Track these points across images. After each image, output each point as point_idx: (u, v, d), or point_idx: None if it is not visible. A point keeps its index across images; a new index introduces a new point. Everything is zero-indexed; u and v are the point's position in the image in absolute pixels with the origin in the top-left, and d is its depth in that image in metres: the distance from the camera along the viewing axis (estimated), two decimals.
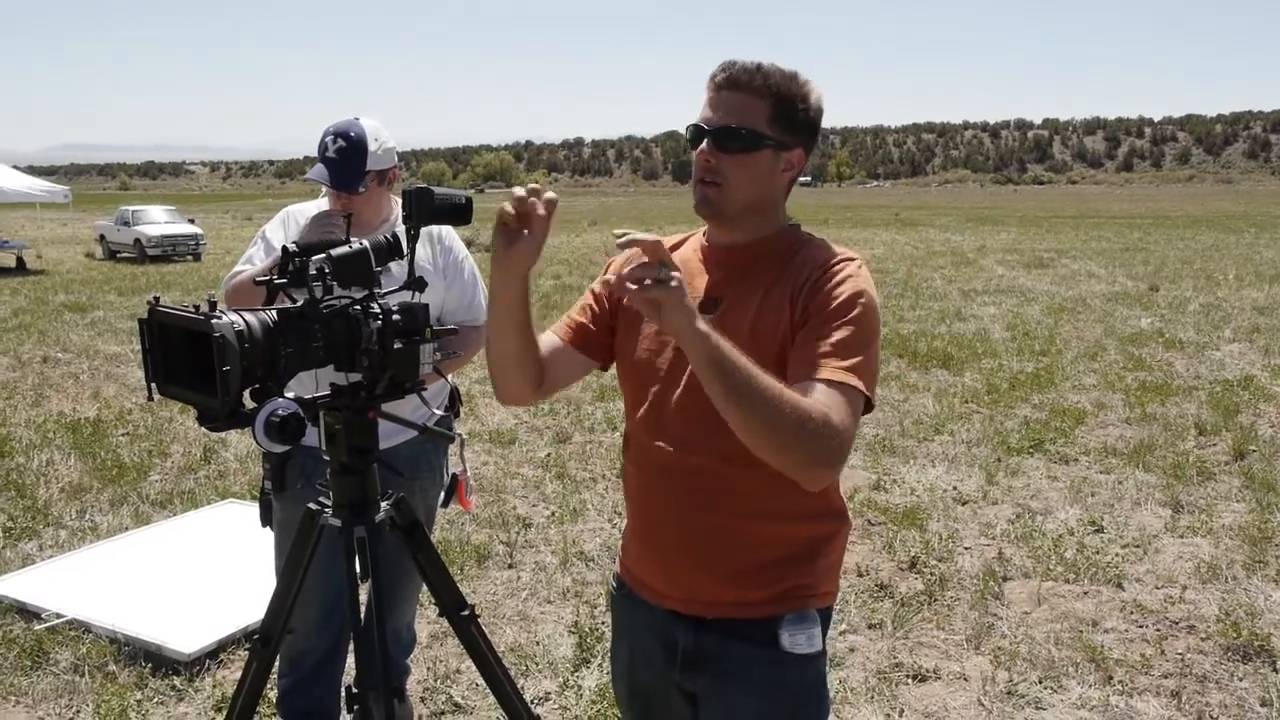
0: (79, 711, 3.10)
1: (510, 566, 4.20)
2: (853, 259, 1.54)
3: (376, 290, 1.88)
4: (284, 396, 1.76)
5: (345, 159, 2.44)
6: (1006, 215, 46.15)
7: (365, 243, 1.87)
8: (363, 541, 1.99)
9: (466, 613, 2.22)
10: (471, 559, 4.23)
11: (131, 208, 24.36)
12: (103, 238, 23.90)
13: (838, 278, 1.50)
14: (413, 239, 2.03)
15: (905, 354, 9.00)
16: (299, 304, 1.80)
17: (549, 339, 1.74)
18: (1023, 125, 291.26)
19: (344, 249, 1.85)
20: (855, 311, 1.46)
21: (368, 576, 1.98)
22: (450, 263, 2.63)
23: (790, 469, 1.39)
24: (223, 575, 3.93)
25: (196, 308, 1.69)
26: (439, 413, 2.22)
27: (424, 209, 2.01)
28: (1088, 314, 11.74)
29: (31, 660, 3.37)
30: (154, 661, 3.34)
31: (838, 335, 1.44)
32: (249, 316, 1.74)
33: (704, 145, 1.52)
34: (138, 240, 22.46)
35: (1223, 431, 6.24)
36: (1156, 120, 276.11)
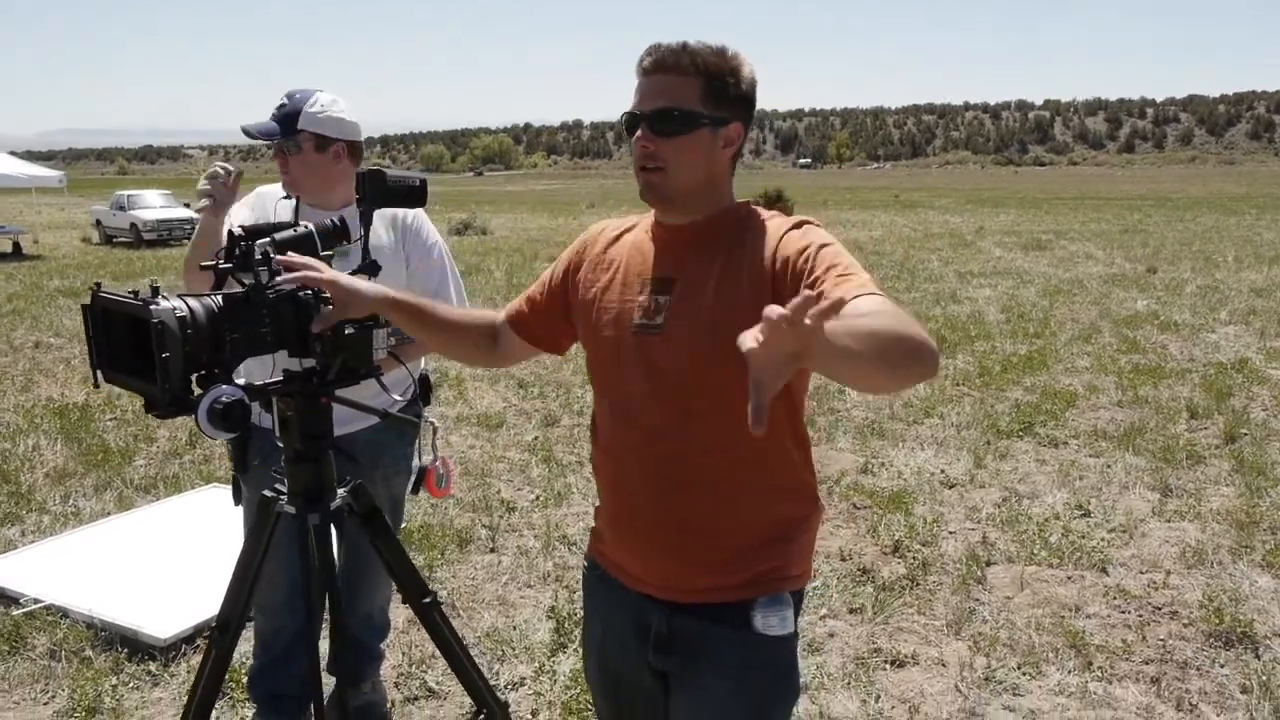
0: (54, 696, 3.08)
1: (492, 550, 4.18)
2: (807, 221, 1.53)
3: None
4: (231, 383, 1.74)
5: (282, 113, 2.43)
6: (1006, 197, 46.00)
7: (310, 226, 1.83)
8: (318, 529, 1.97)
9: (429, 600, 2.21)
10: (453, 542, 4.21)
11: (127, 192, 24.28)
12: (99, 222, 23.84)
13: (809, 235, 1.48)
14: (366, 222, 2.00)
15: None
16: (244, 289, 1.77)
17: (505, 314, 1.84)
18: (1024, 106, 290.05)
19: (288, 232, 1.81)
20: (837, 249, 1.44)
21: (319, 565, 1.95)
22: (417, 247, 2.58)
23: (918, 379, 1.23)
24: (202, 560, 3.90)
25: (135, 293, 1.65)
26: (397, 398, 2.18)
27: (376, 191, 1.98)
28: (1084, 296, 11.69)
29: (9, 645, 3.36)
30: (130, 647, 3.33)
31: (838, 269, 1.38)
32: (193, 302, 1.71)
33: (640, 132, 1.51)
34: (133, 225, 22.40)
35: (1215, 415, 6.21)
36: (1159, 101, 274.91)
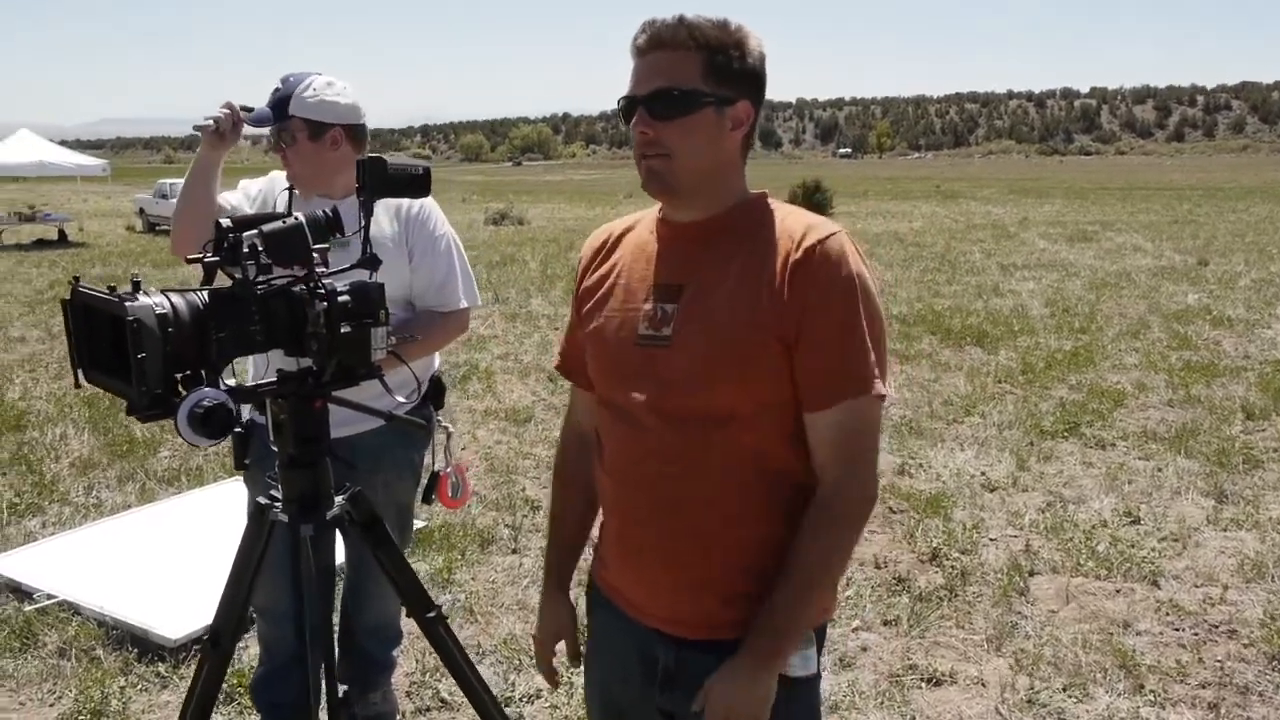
0: (60, 697, 3.02)
1: (514, 551, 4.06)
2: (834, 231, 1.37)
3: (320, 269, 1.71)
4: (219, 385, 1.62)
5: (274, 98, 2.33)
6: (1051, 187, 45.07)
7: (300, 217, 1.70)
8: (312, 540, 1.85)
9: (433, 614, 2.08)
10: (475, 543, 4.10)
11: (170, 180, 24.53)
12: (142, 210, 24.10)
13: (827, 262, 1.33)
14: (367, 212, 1.87)
15: (938, 331, 8.72)
16: (231, 284, 1.65)
17: (557, 363, 1.71)
18: (1069, 94, 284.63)
19: (276, 224, 1.68)
20: (856, 301, 1.33)
21: (316, 576, 1.83)
22: (422, 238, 2.45)
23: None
24: (218, 557, 3.78)
25: (112, 288, 1.54)
26: (401, 400, 2.05)
27: (377, 180, 1.84)
28: (1132, 289, 11.34)
29: (20, 642, 3.30)
30: (140, 646, 3.25)
31: (846, 339, 1.33)
32: (175, 298, 1.59)
33: (637, 116, 1.36)
34: None
35: (1272, 415, 5.93)
36: (1210, 88, 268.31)
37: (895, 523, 4.34)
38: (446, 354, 7.91)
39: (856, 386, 1.33)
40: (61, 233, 20.40)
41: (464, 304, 2.55)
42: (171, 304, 1.57)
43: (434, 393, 2.66)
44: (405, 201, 2.41)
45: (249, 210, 2.47)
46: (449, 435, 2.70)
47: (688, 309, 1.38)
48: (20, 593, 3.63)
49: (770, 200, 1.45)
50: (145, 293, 1.56)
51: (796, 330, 1.33)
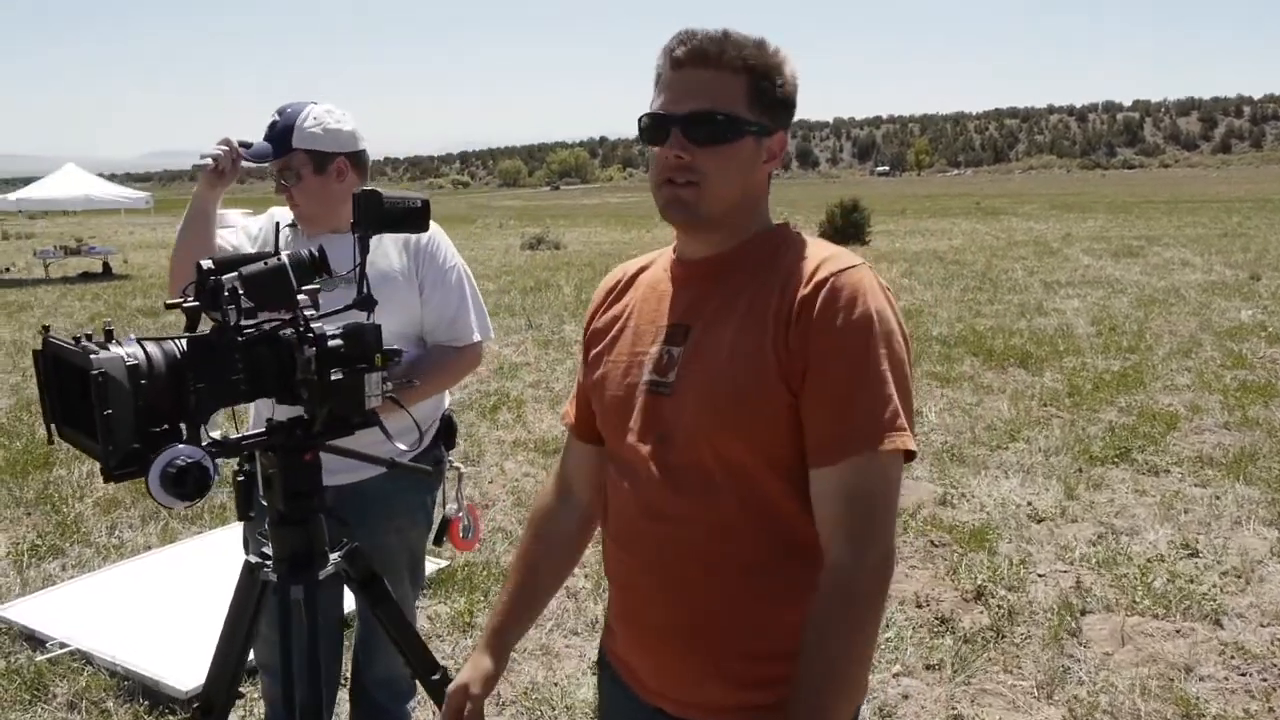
0: None
1: None
2: (850, 266, 1.21)
3: (310, 311, 1.60)
4: (201, 438, 1.52)
5: (273, 132, 2.25)
6: (1094, 201, 44.32)
7: (285, 258, 1.60)
8: (303, 604, 1.73)
9: (438, 676, 1.95)
10: (498, 583, 3.97)
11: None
12: None
13: (840, 298, 1.18)
14: (362, 249, 1.76)
15: (980, 352, 8.48)
16: (208, 331, 1.55)
17: (566, 420, 1.57)
18: (1111, 107, 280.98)
19: (257, 265, 1.57)
20: (871, 342, 1.17)
21: (303, 643, 1.71)
22: (431, 270, 2.35)
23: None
24: None
25: (78, 339, 1.44)
26: (403, 447, 1.93)
27: (372, 215, 1.73)
28: (1181, 306, 10.98)
29: (30, 694, 3.22)
30: (152, 698, 3.16)
31: (857, 386, 1.16)
32: (151, 347, 1.49)
33: (672, 138, 1.21)
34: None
35: None
36: (1256, 98, 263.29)
37: (937, 557, 4.14)
38: (479, 382, 7.83)
39: (866, 441, 1.16)
40: (106, 265, 20.73)
41: (477, 338, 2.44)
42: (146, 354, 1.47)
43: (445, 432, 2.55)
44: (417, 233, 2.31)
45: (251, 250, 2.39)
46: (460, 476, 2.58)
47: (692, 352, 1.25)
48: (34, 640, 3.56)
49: (793, 230, 1.31)
50: (118, 342, 1.47)
51: (803, 375, 1.18)
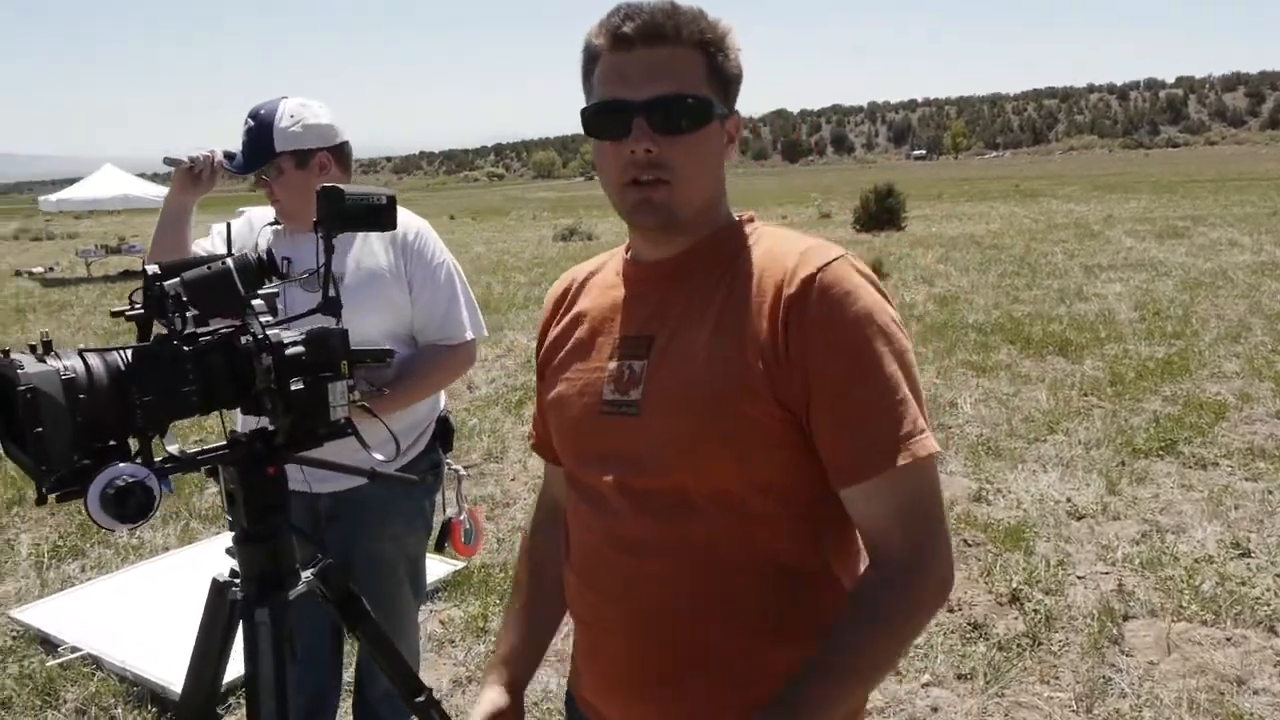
0: None
1: None
2: (834, 257, 1.08)
3: (266, 317, 1.49)
4: (152, 455, 1.42)
5: (251, 140, 2.15)
6: (1137, 181, 43.33)
7: (229, 262, 1.48)
8: (270, 627, 1.62)
9: (423, 699, 1.83)
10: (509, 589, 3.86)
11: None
12: None
13: (830, 297, 1.05)
14: (327, 249, 1.64)
15: (1018, 340, 8.23)
16: (151, 340, 1.44)
17: (533, 441, 1.44)
18: (1153, 85, 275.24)
19: (199, 270, 1.46)
20: (875, 343, 1.04)
21: (268, 675, 1.60)
22: (420, 267, 2.24)
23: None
24: None
25: (6, 352, 1.33)
26: (379, 457, 1.81)
27: (333, 213, 1.60)
28: (1229, 289, 10.61)
29: (41, 699, 3.18)
30: (160, 705, 3.11)
31: (871, 396, 1.03)
32: (93, 359, 1.37)
33: (635, 130, 1.07)
34: None
35: None
36: None
37: (970, 558, 3.97)
38: (506, 375, 7.74)
39: (896, 453, 1.03)
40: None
41: (469, 335, 2.33)
42: (86, 366, 1.36)
43: (442, 434, 2.44)
44: (402, 228, 2.19)
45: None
46: (460, 478, 2.47)
47: (658, 364, 1.11)
48: (48, 644, 3.52)
49: (757, 223, 1.18)
50: (56, 354, 1.36)
51: (804, 391, 1.05)
